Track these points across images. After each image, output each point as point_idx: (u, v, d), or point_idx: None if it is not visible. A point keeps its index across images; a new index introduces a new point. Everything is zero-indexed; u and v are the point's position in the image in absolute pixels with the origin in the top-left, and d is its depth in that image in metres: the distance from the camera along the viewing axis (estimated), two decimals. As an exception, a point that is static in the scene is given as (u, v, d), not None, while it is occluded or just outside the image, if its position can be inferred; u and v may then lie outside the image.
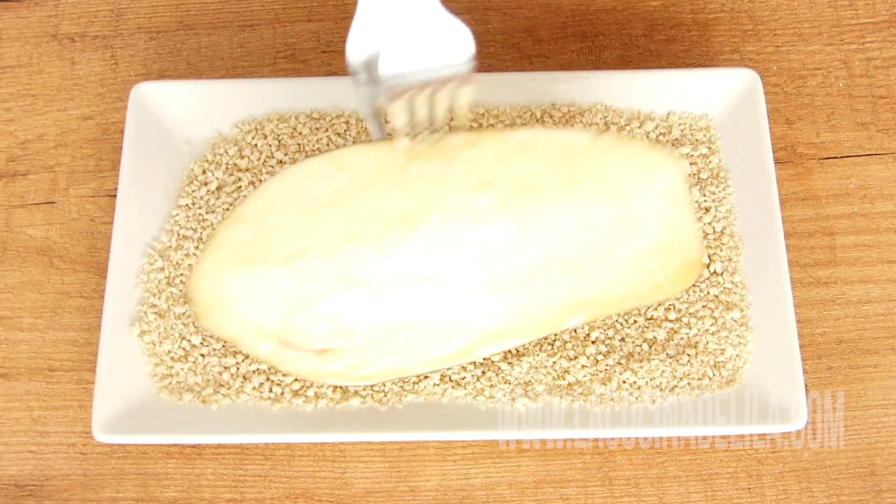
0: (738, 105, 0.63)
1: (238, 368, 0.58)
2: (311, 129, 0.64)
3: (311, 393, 0.57)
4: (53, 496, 0.58)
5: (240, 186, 0.63)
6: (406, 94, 0.49)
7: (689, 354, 0.58)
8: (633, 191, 0.54)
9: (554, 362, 0.58)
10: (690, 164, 0.63)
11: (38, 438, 0.59)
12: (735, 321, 0.58)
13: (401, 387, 0.58)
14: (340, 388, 0.57)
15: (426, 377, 0.58)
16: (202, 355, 0.59)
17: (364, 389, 0.58)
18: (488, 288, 0.54)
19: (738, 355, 0.58)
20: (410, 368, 0.54)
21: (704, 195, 0.62)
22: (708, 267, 0.60)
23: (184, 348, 0.59)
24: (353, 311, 0.54)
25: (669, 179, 0.55)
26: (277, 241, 0.54)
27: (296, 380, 0.58)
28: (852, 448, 0.58)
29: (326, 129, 0.64)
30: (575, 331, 0.58)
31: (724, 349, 0.58)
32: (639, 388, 0.57)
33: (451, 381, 0.58)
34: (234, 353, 0.59)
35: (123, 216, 0.61)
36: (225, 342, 0.58)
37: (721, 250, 0.60)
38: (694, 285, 0.59)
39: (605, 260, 0.54)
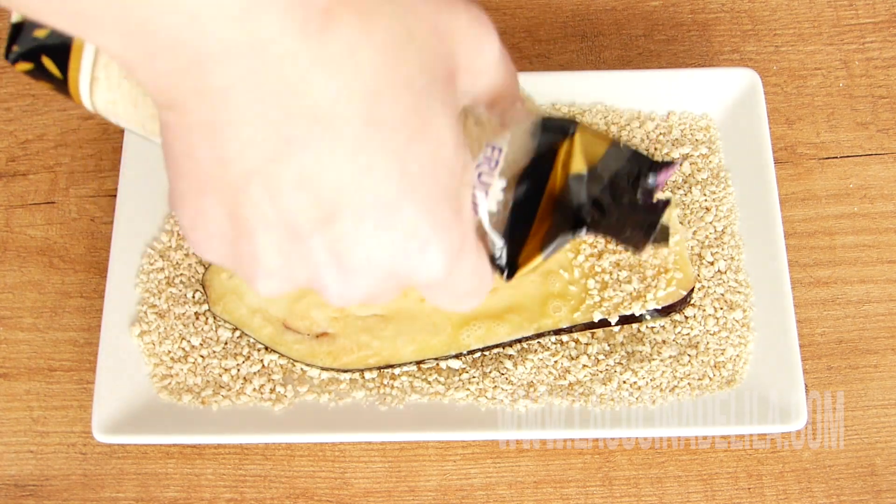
0: (738, 105, 0.63)
1: (238, 370, 0.58)
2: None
3: (315, 382, 0.58)
4: (53, 496, 0.58)
5: (240, 186, 0.63)
6: None
7: (689, 355, 0.58)
8: None
9: (556, 362, 0.58)
10: (690, 164, 0.63)
11: (38, 438, 0.59)
12: (737, 321, 0.58)
13: (401, 387, 0.58)
14: (347, 381, 0.58)
15: (429, 378, 0.58)
16: (202, 356, 0.59)
17: (367, 382, 0.58)
18: None
19: (738, 355, 0.58)
20: (401, 355, 0.57)
21: (704, 195, 0.62)
22: (712, 265, 0.60)
23: (184, 349, 0.59)
24: None
25: None
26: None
27: (300, 367, 0.58)
28: (852, 448, 0.58)
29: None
30: (572, 330, 0.58)
31: (724, 349, 0.58)
32: (639, 388, 0.57)
33: (453, 381, 0.58)
34: (235, 355, 0.59)
35: (123, 216, 0.61)
36: (233, 327, 0.59)
37: (723, 249, 0.60)
38: (699, 287, 0.59)
39: (589, 275, 0.58)
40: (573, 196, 0.39)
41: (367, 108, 0.32)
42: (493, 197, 0.38)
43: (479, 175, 0.38)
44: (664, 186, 0.42)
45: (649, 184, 0.41)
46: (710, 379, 0.57)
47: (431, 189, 0.34)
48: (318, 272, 0.36)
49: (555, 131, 0.40)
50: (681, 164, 0.45)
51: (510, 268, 0.40)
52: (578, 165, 0.39)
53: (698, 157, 0.63)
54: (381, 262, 0.35)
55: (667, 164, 0.41)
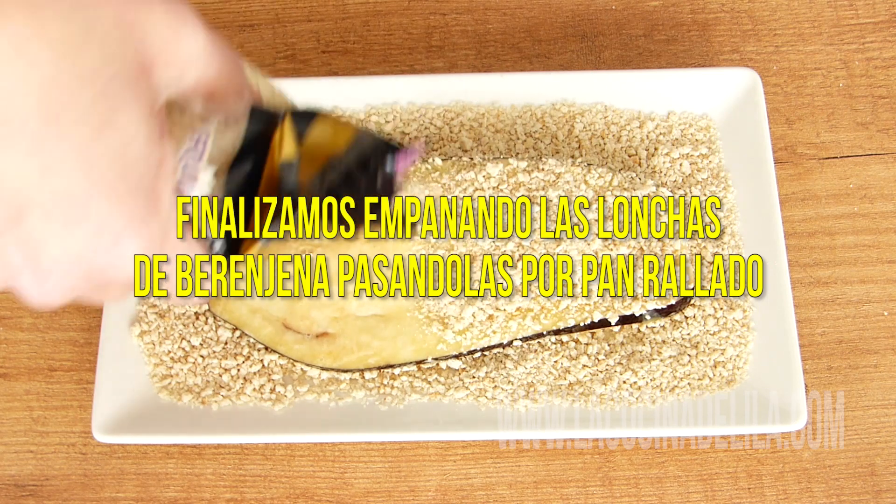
0: (738, 105, 0.63)
1: (238, 370, 0.58)
2: (311, 129, 0.64)
3: (315, 382, 0.58)
4: (53, 496, 0.58)
5: (240, 186, 0.63)
6: None
7: (689, 355, 0.58)
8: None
9: (556, 362, 0.58)
10: (690, 164, 0.63)
11: (38, 438, 0.59)
12: (737, 321, 0.59)
13: (401, 387, 0.58)
14: (347, 381, 0.58)
15: (429, 378, 0.58)
16: (202, 356, 0.59)
17: (367, 382, 0.58)
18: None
19: (738, 355, 0.58)
20: (401, 355, 0.57)
21: (705, 195, 0.62)
22: (712, 265, 0.60)
23: (184, 349, 0.59)
24: (351, 300, 0.57)
25: None
26: (290, 242, 0.58)
27: (300, 367, 0.58)
28: (852, 448, 0.58)
29: (326, 129, 0.64)
30: (572, 330, 0.58)
31: (724, 349, 0.58)
32: (639, 388, 0.57)
33: (453, 381, 0.58)
34: (235, 355, 0.59)
35: (123, 216, 0.61)
36: (233, 327, 0.59)
37: (723, 250, 0.60)
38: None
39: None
40: (285, 181, 0.40)
41: (43, 103, 0.31)
42: (200, 186, 0.38)
43: (185, 165, 0.38)
44: (406, 172, 0.44)
45: (387, 171, 0.43)
46: (710, 379, 0.57)
47: (121, 182, 0.34)
48: (13, 274, 0.35)
49: (265, 119, 0.41)
50: (422, 151, 0.47)
51: (230, 250, 0.41)
52: (289, 152, 0.41)
53: (698, 157, 0.63)
54: (74, 259, 0.35)
55: (406, 151, 0.43)
